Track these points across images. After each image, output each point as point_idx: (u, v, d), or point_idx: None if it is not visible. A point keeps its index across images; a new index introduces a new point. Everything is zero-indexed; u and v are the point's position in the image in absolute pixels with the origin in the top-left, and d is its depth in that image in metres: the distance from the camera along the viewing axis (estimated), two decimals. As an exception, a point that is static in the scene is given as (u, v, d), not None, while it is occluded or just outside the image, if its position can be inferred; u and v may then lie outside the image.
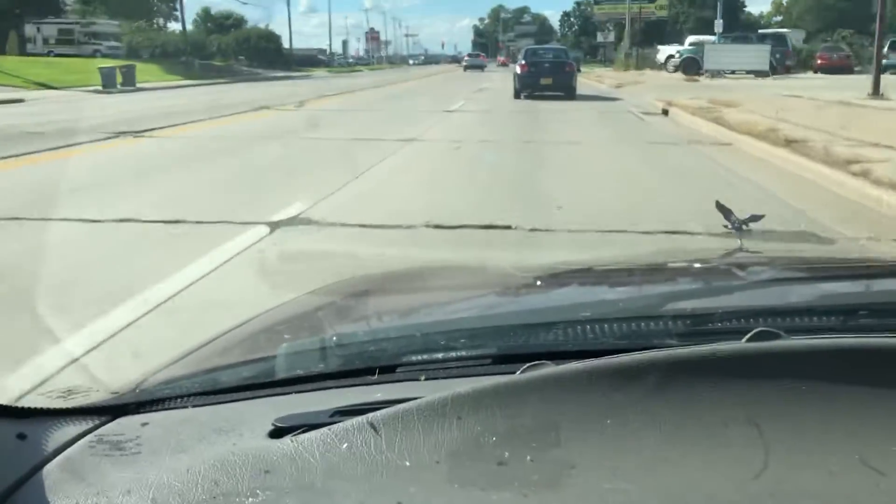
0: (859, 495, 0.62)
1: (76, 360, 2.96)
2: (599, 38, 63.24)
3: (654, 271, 1.63)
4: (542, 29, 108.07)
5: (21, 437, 0.81)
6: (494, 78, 38.54)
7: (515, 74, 21.82)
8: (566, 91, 20.96)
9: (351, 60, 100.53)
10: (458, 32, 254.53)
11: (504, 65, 66.71)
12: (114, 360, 3.01)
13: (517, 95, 21.04)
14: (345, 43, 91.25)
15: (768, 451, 0.67)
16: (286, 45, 59.58)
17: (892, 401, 0.71)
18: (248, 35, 57.74)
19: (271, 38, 59.28)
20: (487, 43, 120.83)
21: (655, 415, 0.71)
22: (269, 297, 2.17)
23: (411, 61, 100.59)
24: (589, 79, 33.52)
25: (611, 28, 61.73)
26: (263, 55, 55.13)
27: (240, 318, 1.32)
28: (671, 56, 40.44)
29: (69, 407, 0.91)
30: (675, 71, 37.21)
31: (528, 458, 0.68)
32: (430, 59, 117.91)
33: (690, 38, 41.51)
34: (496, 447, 0.69)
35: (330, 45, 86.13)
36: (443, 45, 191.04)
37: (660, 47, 45.28)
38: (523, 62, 21.57)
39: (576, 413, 0.72)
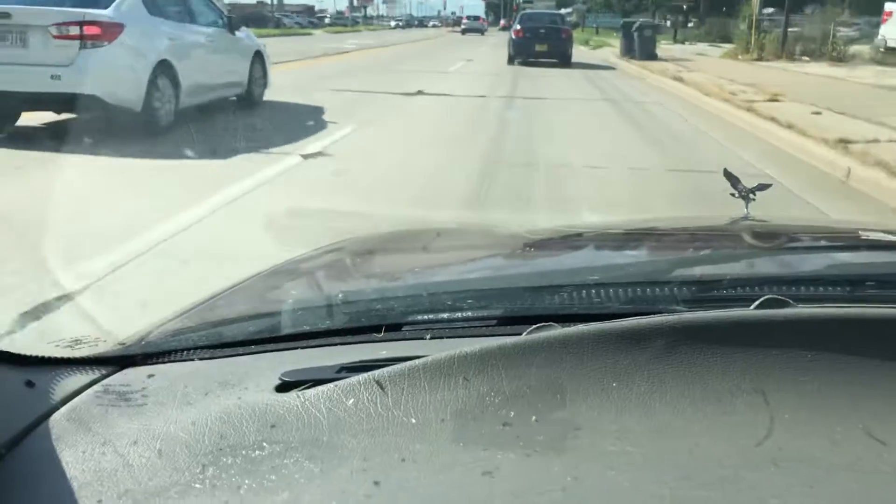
0: (862, 465, 0.63)
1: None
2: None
3: (662, 237, 1.62)
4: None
5: (29, 384, 0.82)
6: (466, 56, 24.84)
7: (510, 40, 21.69)
8: (561, 58, 20.71)
9: (327, 20, 77.92)
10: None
11: (505, 28, 61.25)
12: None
13: (511, 61, 20.74)
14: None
15: (773, 419, 0.67)
16: None
17: None
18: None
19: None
20: (502, 3, 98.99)
21: (661, 380, 0.71)
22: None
23: (393, 23, 78.46)
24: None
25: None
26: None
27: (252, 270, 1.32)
28: None
29: (76, 357, 0.91)
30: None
31: (534, 418, 0.68)
32: (423, 22, 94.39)
33: None
34: (501, 407, 0.69)
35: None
36: (444, 4, 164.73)
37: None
38: (518, 27, 21.37)
39: (581, 376, 0.72)
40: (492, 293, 1.06)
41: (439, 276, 1.30)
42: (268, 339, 0.97)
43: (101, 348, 0.97)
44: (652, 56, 21.34)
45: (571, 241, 1.55)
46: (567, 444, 0.66)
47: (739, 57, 22.35)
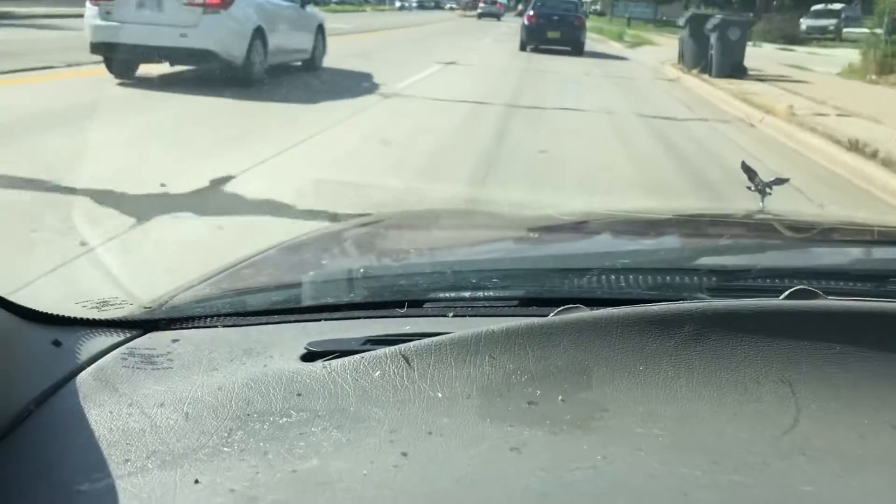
0: (890, 458, 0.62)
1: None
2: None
3: (685, 224, 1.60)
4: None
5: (56, 344, 0.83)
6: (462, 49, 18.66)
7: (523, 25, 21.34)
8: (573, 46, 20.28)
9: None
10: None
11: (521, 14, 50.07)
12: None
13: (523, 47, 20.44)
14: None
15: (799, 409, 0.67)
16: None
17: None
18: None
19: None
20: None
21: (688, 366, 0.71)
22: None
23: (398, 4, 69.42)
24: None
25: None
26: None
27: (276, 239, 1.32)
28: None
29: (103, 318, 0.92)
30: None
31: (560, 398, 0.69)
32: (440, 4, 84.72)
33: None
34: (527, 386, 0.70)
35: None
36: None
37: None
38: (531, 13, 20.94)
39: (608, 358, 0.72)
40: (516, 274, 1.08)
41: (464, 255, 1.30)
42: (292, 309, 0.97)
43: (127, 311, 0.97)
44: (738, 70, 13.22)
45: (595, 225, 1.55)
46: (594, 424, 0.66)
47: (872, 77, 14.27)
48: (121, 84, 8.90)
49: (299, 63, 11.34)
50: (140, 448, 0.66)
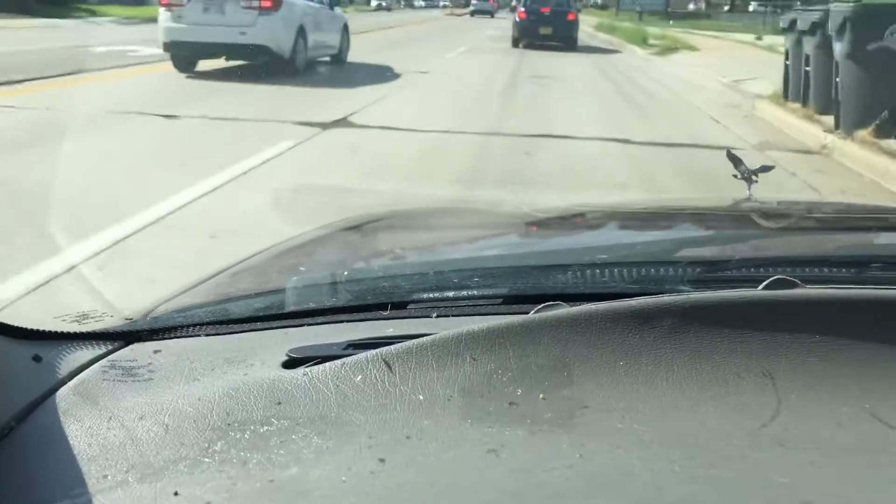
0: (867, 446, 0.63)
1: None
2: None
3: (668, 217, 1.63)
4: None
5: (36, 359, 0.82)
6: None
7: (514, 22, 21.65)
8: (566, 42, 20.43)
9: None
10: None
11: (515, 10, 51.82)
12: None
13: (515, 44, 20.66)
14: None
15: (779, 400, 0.67)
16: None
17: None
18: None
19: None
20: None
21: (669, 359, 0.71)
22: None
23: (374, 3, 65.32)
24: None
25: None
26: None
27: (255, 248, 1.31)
28: None
29: (83, 331, 0.92)
30: None
31: (541, 396, 0.69)
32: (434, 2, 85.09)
33: None
34: (508, 385, 0.70)
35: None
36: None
37: None
38: (522, 9, 21.17)
39: (589, 355, 0.72)
40: (498, 272, 1.08)
41: (446, 255, 1.31)
42: (274, 315, 0.97)
43: (108, 323, 0.97)
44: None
45: (577, 220, 1.56)
46: (574, 421, 0.66)
47: None
48: (189, 77, 10.70)
49: (327, 58, 13.19)
50: (120, 462, 0.65)
